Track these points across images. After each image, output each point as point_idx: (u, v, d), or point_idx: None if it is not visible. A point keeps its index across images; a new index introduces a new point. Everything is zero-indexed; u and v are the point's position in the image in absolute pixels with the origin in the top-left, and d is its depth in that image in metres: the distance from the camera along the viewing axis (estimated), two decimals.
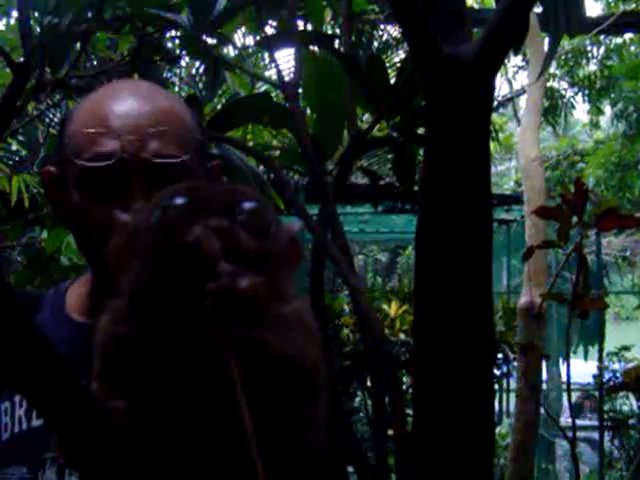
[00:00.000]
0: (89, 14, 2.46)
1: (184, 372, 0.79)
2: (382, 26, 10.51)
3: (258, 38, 2.64)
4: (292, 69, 2.20)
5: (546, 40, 6.23)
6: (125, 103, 1.37)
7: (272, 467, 0.77)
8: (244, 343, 0.77)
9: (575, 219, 2.78)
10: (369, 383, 6.58)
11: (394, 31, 10.73)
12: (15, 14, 3.79)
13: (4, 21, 4.34)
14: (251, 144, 3.94)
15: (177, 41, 3.00)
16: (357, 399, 7.85)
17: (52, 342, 0.75)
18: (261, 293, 0.78)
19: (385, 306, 7.07)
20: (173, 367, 0.79)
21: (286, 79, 2.22)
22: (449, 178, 1.24)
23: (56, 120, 6.96)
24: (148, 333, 0.80)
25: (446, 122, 1.15)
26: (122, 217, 0.87)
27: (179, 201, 0.82)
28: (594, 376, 9.27)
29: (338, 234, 1.84)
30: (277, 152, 3.55)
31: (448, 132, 1.16)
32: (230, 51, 5.16)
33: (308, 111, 2.75)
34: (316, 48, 2.71)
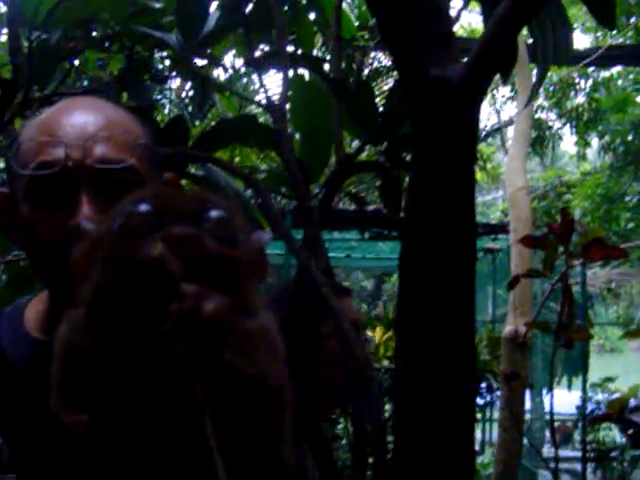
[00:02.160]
0: (78, 32, 2.45)
1: (145, 388, 0.77)
2: (372, 54, 10.58)
3: (247, 59, 2.64)
4: (280, 92, 2.19)
5: (534, 71, 6.27)
6: (71, 115, 1.38)
7: None
8: (207, 364, 0.75)
9: (561, 249, 2.78)
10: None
11: (384, 59, 10.81)
12: (3, 31, 3.78)
13: None
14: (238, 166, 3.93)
15: (167, 61, 3.00)
16: (340, 426, 7.80)
17: (10, 359, 0.73)
18: (226, 315, 0.76)
19: (369, 332, 7.05)
20: (134, 382, 0.77)
21: (274, 101, 2.22)
22: (433, 202, 1.23)
23: None
24: (108, 344, 0.78)
25: (431, 143, 1.15)
26: (85, 225, 0.85)
27: (143, 208, 0.80)
28: (577, 407, 9.27)
29: (321, 257, 1.83)
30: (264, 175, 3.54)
31: (433, 154, 1.15)
32: (221, 74, 5.16)
33: (296, 135, 2.75)
34: (305, 72, 2.72)
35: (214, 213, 0.81)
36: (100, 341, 0.78)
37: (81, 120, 1.36)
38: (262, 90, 2.40)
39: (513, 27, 1.15)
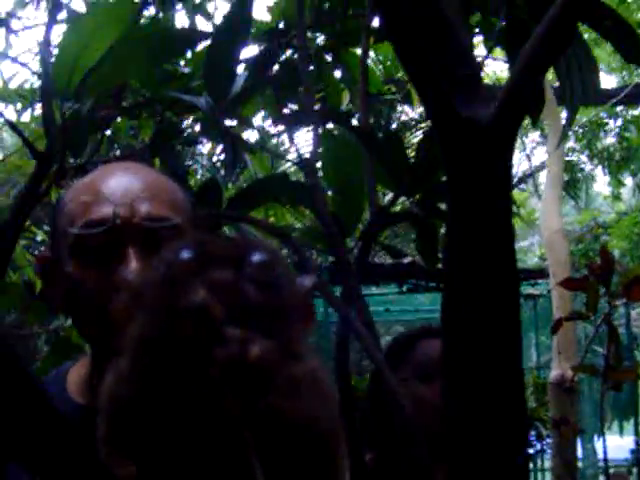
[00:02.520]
0: (109, 100, 2.49)
1: (194, 436, 0.75)
2: (399, 108, 10.65)
3: (276, 117, 2.67)
4: (311, 148, 2.20)
5: (563, 114, 6.28)
6: (115, 175, 1.43)
7: None
8: (256, 411, 0.73)
9: (602, 290, 2.74)
10: None
11: (412, 112, 10.88)
12: (38, 106, 3.86)
13: (28, 112, 4.43)
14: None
15: (196, 125, 3.03)
16: None
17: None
18: (274, 359, 0.74)
19: None
20: (182, 431, 0.76)
21: (306, 158, 2.23)
22: (471, 249, 1.21)
23: None
24: (153, 395, 0.77)
25: (466, 186, 1.14)
26: (127, 275, 0.85)
27: (184, 255, 0.80)
28: (631, 451, 9.06)
29: (362, 310, 1.81)
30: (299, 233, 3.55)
31: (468, 197, 1.14)
32: (251, 137, 5.22)
33: (329, 190, 2.76)
34: (334, 127, 2.73)
35: (255, 258, 0.80)
36: (145, 391, 0.77)
37: (125, 180, 1.40)
38: (293, 148, 2.41)
39: (540, 66, 1.15)
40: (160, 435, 0.76)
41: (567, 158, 14.42)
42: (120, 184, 1.38)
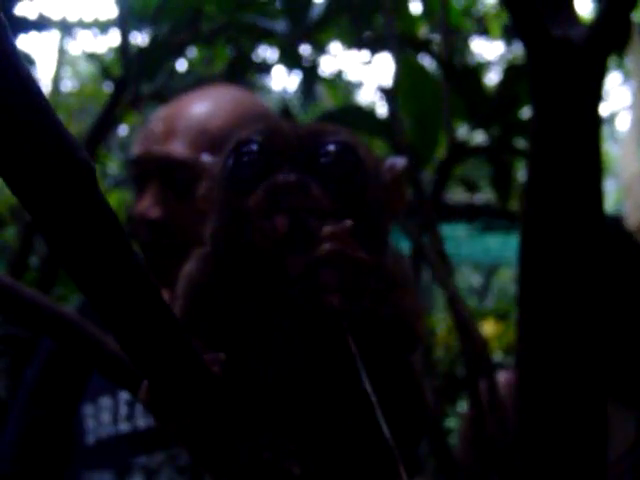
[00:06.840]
0: (185, 26, 2.47)
1: (277, 322, 0.74)
2: (475, 46, 10.41)
3: (355, 42, 2.61)
4: (391, 75, 2.15)
5: None
6: (173, 109, 1.45)
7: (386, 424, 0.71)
8: (355, 311, 0.71)
9: None
10: (463, 405, 6.44)
11: (489, 50, 10.63)
12: (114, 33, 3.85)
13: (105, 39, 4.43)
14: None
15: (272, 54, 2.99)
16: (451, 421, 7.69)
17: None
18: (368, 261, 0.72)
19: (480, 325, 6.91)
20: (265, 315, 0.74)
21: (384, 86, 2.18)
22: (555, 176, 1.16)
23: None
24: (236, 283, 0.76)
25: (554, 106, 1.08)
26: (205, 161, 0.84)
27: (252, 147, 0.78)
28: None
29: (435, 239, 1.79)
30: None
31: (555, 118, 1.09)
32: (326, 67, 5.14)
33: (405, 121, 2.71)
34: (412, 58, 2.67)
35: (330, 149, 0.77)
36: (228, 277, 0.76)
37: (176, 116, 1.41)
38: (369, 79, 2.36)
39: None
40: (241, 319, 0.75)
41: None
42: (168, 120, 1.39)
